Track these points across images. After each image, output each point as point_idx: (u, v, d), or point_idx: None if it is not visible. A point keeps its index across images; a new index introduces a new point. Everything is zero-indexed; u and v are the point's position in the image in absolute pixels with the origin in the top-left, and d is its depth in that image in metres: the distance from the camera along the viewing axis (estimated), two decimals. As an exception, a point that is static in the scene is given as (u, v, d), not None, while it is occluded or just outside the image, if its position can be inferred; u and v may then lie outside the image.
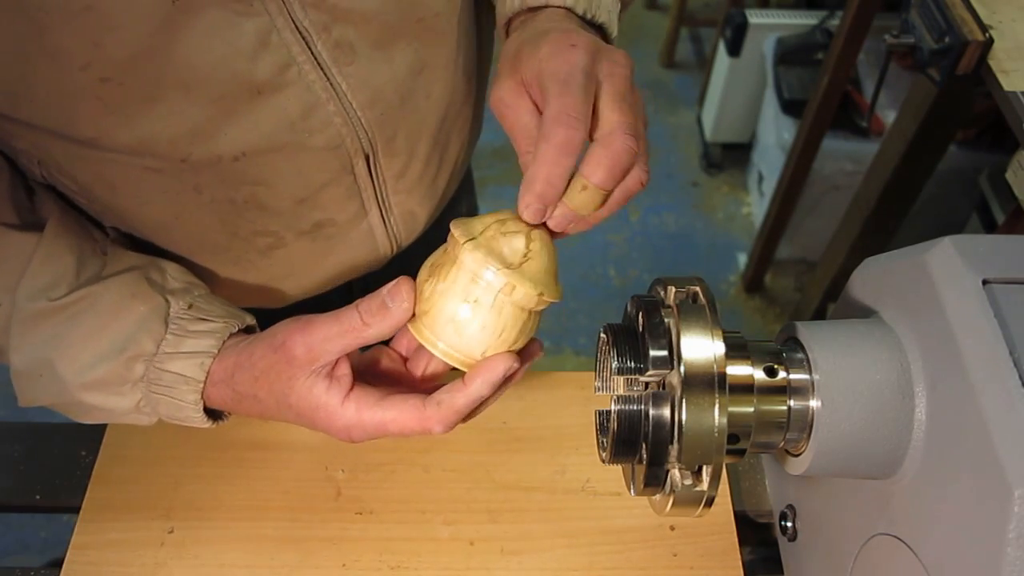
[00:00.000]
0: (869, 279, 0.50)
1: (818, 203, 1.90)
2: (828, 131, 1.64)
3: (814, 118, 1.59)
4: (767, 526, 0.66)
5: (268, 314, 0.58)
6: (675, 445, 0.43)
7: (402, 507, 0.65)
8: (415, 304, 0.46)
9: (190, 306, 0.54)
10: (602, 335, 0.47)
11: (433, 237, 0.74)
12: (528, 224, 0.46)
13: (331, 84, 0.53)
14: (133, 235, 0.61)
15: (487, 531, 0.64)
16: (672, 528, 0.64)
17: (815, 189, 1.85)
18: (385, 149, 0.60)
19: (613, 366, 0.44)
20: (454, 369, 0.48)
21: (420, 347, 0.53)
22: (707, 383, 0.41)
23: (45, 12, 0.43)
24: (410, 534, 0.63)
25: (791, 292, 2.07)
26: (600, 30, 0.56)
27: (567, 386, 0.72)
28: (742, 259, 2.12)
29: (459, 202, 0.83)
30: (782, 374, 0.45)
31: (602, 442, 0.48)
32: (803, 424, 0.45)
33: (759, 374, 0.45)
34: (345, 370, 0.48)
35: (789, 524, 0.59)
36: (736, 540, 0.63)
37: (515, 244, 0.45)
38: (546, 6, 0.54)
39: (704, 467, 0.42)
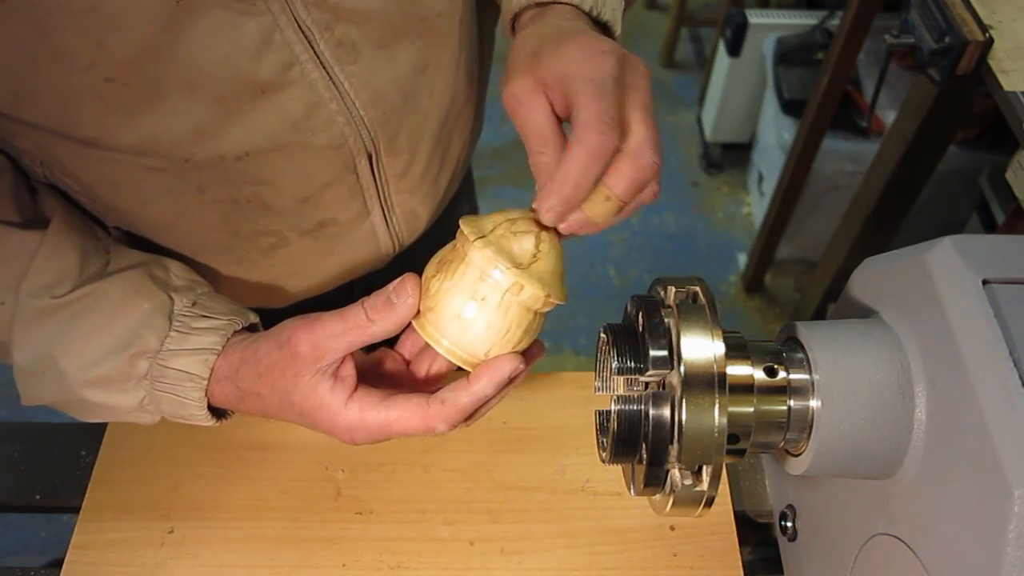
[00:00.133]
0: (869, 279, 0.50)
1: (818, 203, 1.90)
2: (828, 131, 1.64)
3: (814, 118, 1.59)
4: (767, 526, 0.66)
5: (270, 314, 0.58)
6: (675, 445, 0.43)
7: (402, 507, 0.65)
8: (421, 300, 0.46)
9: (194, 303, 0.54)
10: (602, 335, 0.47)
11: (434, 236, 0.74)
12: (538, 225, 0.46)
13: (334, 83, 0.53)
14: (135, 234, 0.61)
15: (487, 531, 0.64)
16: (672, 528, 0.64)
17: (815, 189, 1.85)
18: (388, 148, 0.60)
19: (613, 366, 0.44)
20: (459, 370, 0.48)
21: (423, 349, 0.53)
22: (707, 383, 0.41)
23: (49, 13, 0.43)
24: (410, 534, 0.63)
25: (791, 292, 2.07)
26: (605, 28, 0.57)
27: (567, 386, 0.72)
28: (742, 259, 2.13)
29: (460, 202, 0.83)
30: (782, 374, 0.45)
31: (602, 442, 0.48)
32: (803, 424, 0.45)
33: (759, 374, 0.45)
34: (350, 371, 0.48)
35: (789, 524, 0.59)
36: (736, 540, 0.63)
37: (525, 244, 0.45)
38: (555, 2, 0.54)
39: (704, 467, 0.42)
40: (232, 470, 0.66)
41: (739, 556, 0.62)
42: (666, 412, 0.43)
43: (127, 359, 0.52)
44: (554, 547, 0.63)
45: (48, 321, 0.51)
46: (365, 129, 0.57)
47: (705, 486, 0.43)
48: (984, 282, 0.41)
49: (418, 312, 0.46)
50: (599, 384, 0.49)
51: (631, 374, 0.44)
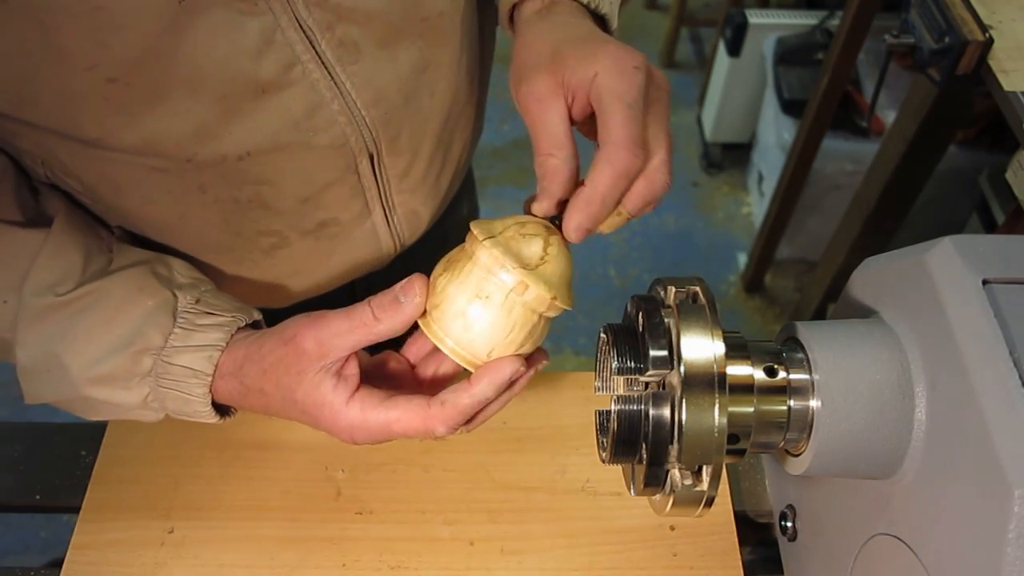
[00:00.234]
0: (869, 279, 0.50)
1: (818, 203, 1.90)
2: (828, 131, 1.64)
3: (814, 118, 1.59)
4: (767, 526, 0.66)
5: (271, 314, 0.58)
6: (675, 445, 0.43)
7: (402, 507, 0.65)
8: (428, 299, 0.46)
9: (197, 300, 0.54)
10: (602, 335, 0.47)
11: (435, 236, 0.74)
12: (547, 229, 0.46)
13: (335, 83, 0.53)
14: (137, 234, 0.61)
15: (487, 531, 0.64)
16: (672, 528, 0.64)
17: (815, 189, 1.85)
18: (389, 148, 0.60)
19: (613, 366, 0.44)
20: (464, 371, 0.48)
21: (429, 354, 0.53)
22: (707, 383, 0.41)
23: (51, 13, 0.43)
24: (410, 534, 0.63)
25: (791, 292, 2.07)
26: (603, 21, 0.57)
27: (567, 386, 0.72)
28: (742, 259, 2.13)
29: (461, 202, 0.83)
30: (782, 374, 0.45)
31: (602, 442, 0.48)
32: (803, 424, 0.45)
33: (759, 374, 0.45)
34: (353, 370, 0.48)
35: (789, 524, 0.59)
36: (736, 540, 0.63)
37: (533, 247, 0.45)
38: None
39: (704, 467, 0.43)
40: (232, 470, 0.66)
41: (739, 556, 0.62)
42: (666, 412, 0.43)
43: (131, 356, 0.52)
44: (554, 547, 0.63)
45: (51, 319, 0.51)
46: (367, 129, 0.57)
47: (705, 486, 0.43)
48: (984, 282, 0.41)
49: (424, 312, 0.46)
50: (599, 384, 0.49)
51: (631, 374, 0.44)
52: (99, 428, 0.69)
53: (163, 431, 0.65)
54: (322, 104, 0.54)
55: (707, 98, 2.33)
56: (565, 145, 0.47)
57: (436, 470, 0.67)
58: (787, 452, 0.48)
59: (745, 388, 0.44)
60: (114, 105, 0.48)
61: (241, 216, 0.59)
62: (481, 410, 0.48)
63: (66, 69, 0.45)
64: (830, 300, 1.67)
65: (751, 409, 0.44)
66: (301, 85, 0.52)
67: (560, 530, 0.64)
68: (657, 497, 0.47)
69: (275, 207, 0.59)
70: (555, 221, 0.48)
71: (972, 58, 1.02)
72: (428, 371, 0.52)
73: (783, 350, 0.46)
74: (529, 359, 0.48)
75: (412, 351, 0.53)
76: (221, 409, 0.54)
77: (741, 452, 0.45)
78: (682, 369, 0.42)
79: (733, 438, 0.43)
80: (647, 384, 0.45)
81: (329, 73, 0.53)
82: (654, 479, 0.45)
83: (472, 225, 0.46)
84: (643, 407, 0.44)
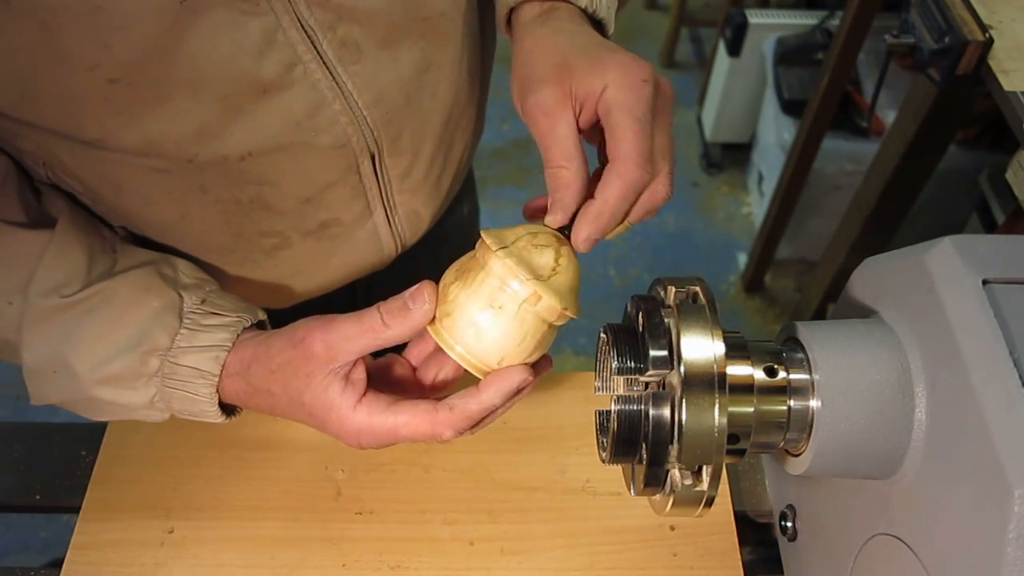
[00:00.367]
0: (869, 279, 0.50)
1: (818, 203, 1.91)
2: (828, 131, 1.64)
3: (814, 118, 1.59)
4: (767, 526, 0.66)
5: (273, 314, 0.58)
6: (675, 445, 0.43)
7: (402, 507, 0.65)
8: (437, 307, 0.47)
9: (203, 300, 0.54)
10: (602, 335, 0.47)
11: (436, 237, 0.74)
12: (558, 240, 0.47)
13: (337, 83, 0.53)
14: (139, 235, 0.61)
15: (487, 531, 0.64)
16: (672, 528, 0.64)
17: (815, 189, 1.85)
18: (390, 148, 0.60)
19: (613, 366, 0.44)
20: (466, 373, 0.48)
21: (430, 356, 0.53)
22: (707, 383, 0.41)
23: (53, 13, 0.43)
24: (410, 534, 0.63)
25: (791, 292, 2.07)
26: (600, 26, 0.57)
27: (567, 386, 0.72)
28: (742, 259, 2.13)
29: (461, 202, 0.83)
30: (782, 374, 0.45)
31: (602, 442, 0.48)
32: (803, 424, 0.45)
33: (759, 374, 0.45)
34: (361, 374, 0.48)
35: (789, 524, 0.59)
36: (736, 540, 0.63)
37: (545, 257, 0.46)
38: None
39: (704, 467, 0.43)
40: (232, 470, 0.66)
41: (739, 556, 0.62)
42: (666, 412, 0.43)
43: (138, 357, 0.52)
44: (554, 547, 0.63)
45: (57, 320, 0.52)
46: (368, 129, 0.57)
47: (705, 486, 0.43)
48: (984, 282, 0.41)
49: (433, 318, 0.47)
50: (599, 384, 0.49)
51: (631, 374, 0.44)
52: (99, 428, 0.69)
53: (163, 431, 0.65)
54: (324, 104, 0.54)
55: (707, 98, 2.33)
56: (575, 156, 0.47)
57: (436, 470, 0.67)
58: (787, 452, 0.48)
59: (745, 388, 0.44)
60: (115, 105, 0.48)
61: (242, 217, 0.59)
62: (487, 415, 0.48)
63: (67, 69, 0.45)
64: (830, 300, 1.67)
65: (751, 409, 0.44)
66: (302, 85, 0.52)
67: (560, 530, 0.64)
68: (657, 497, 0.47)
69: (276, 207, 0.59)
70: (564, 231, 0.48)
71: (972, 58, 1.02)
72: (430, 373, 0.52)
73: (783, 350, 0.46)
74: (535, 366, 0.48)
75: (414, 353, 0.54)
76: (227, 409, 0.54)
77: (741, 452, 0.45)
78: (682, 369, 0.42)
79: (733, 438, 0.43)
80: (647, 384, 0.46)
81: (331, 73, 0.53)
82: (654, 479, 0.45)
83: (483, 234, 0.47)
84: (643, 407, 0.44)
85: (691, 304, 0.44)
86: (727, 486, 0.66)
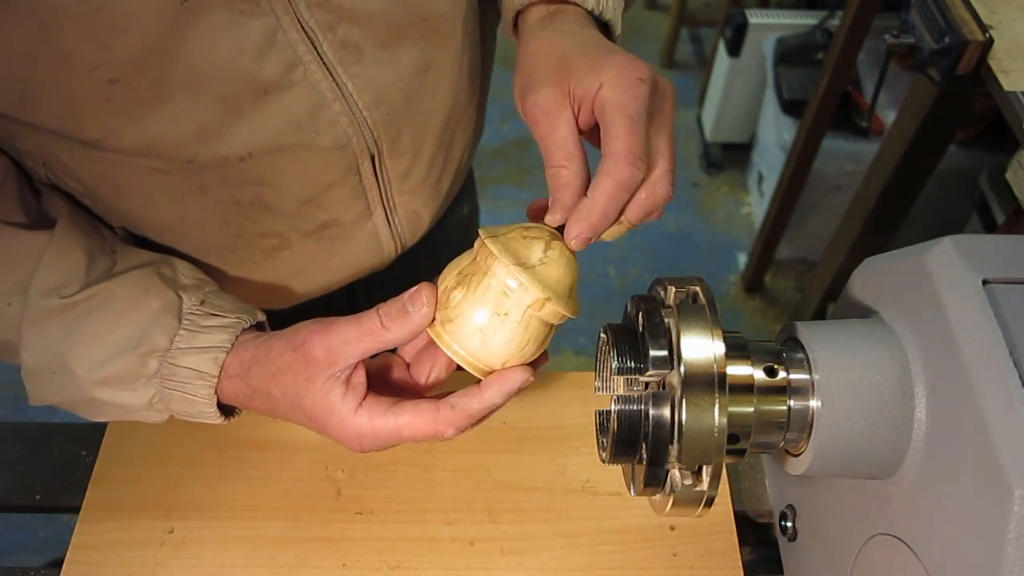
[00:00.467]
0: (869, 279, 0.50)
1: (818, 203, 1.91)
2: (828, 131, 1.64)
3: (814, 118, 1.59)
4: (767, 526, 0.66)
5: (273, 315, 0.58)
6: (675, 445, 0.43)
7: (402, 507, 0.65)
8: (438, 310, 0.46)
9: (202, 302, 0.54)
10: (602, 335, 0.47)
11: (436, 237, 0.74)
12: (552, 235, 0.47)
13: (337, 84, 0.53)
14: (139, 236, 0.61)
15: (487, 531, 0.64)
16: (672, 528, 0.64)
17: (815, 189, 1.85)
18: (390, 149, 0.60)
19: (613, 366, 0.44)
20: (459, 368, 0.48)
21: (423, 351, 0.53)
22: (707, 383, 0.41)
23: (53, 14, 0.43)
24: (410, 534, 0.63)
25: (791, 292, 2.07)
26: (606, 28, 0.57)
27: (567, 386, 0.72)
28: (742, 259, 2.13)
29: (461, 202, 0.83)
30: (782, 374, 0.45)
31: (602, 442, 0.48)
32: (803, 424, 0.45)
33: (759, 374, 0.45)
34: (361, 378, 0.48)
35: (789, 524, 0.59)
36: (736, 540, 0.63)
37: (533, 248, 0.46)
38: (567, 2, 0.54)
39: (704, 467, 0.42)
40: (232, 470, 0.66)
41: (739, 556, 0.62)
42: (666, 412, 0.43)
43: (137, 358, 0.52)
44: (554, 547, 0.63)
45: (57, 321, 0.52)
46: (368, 130, 0.57)
47: (705, 486, 0.43)
48: (984, 282, 0.41)
49: (433, 320, 0.47)
50: (599, 384, 0.49)
51: (631, 374, 0.44)
52: (99, 428, 0.69)
53: (163, 431, 0.65)
54: (324, 105, 0.54)
55: (707, 98, 2.33)
56: (575, 156, 0.47)
57: (436, 470, 0.67)
58: (787, 452, 0.48)
59: (745, 388, 0.44)
60: (115, 106, 0.48)
61: (242, 217, 0.59)
62: (488, 413, 0.48)
63: (67, 70, 0.45)
64: (830, 300, 1.67)
65: (751, 409, 0.44)
66: (303, 86, 0.52)
67: (560, 530, 0.64)
68: (657, 497, 0.47)
69: (276, 208, 0.59)
70: (563, 230, 0.48)
71: (972, 58, 1.02)
72: (424, 370, 0.52)
73: (783, 350, 0.46)
74: (534, 363, 0.48)
75: (408, 348, 0.53)
76: (226, 410, 0.54)
77: (741, 452, 0.45)
78: (682, 369, 0.42)
79: (733, 438, 0.43)
80: (647, 384, 0.46)
81: (331, 74, 0.53)
82: (654, 479, 0.45)
83: (482, 235, 0.46)
84: (643, 407, 0.44)
85: (691, 304, 0.44)
86: (727, 486, 0.66)
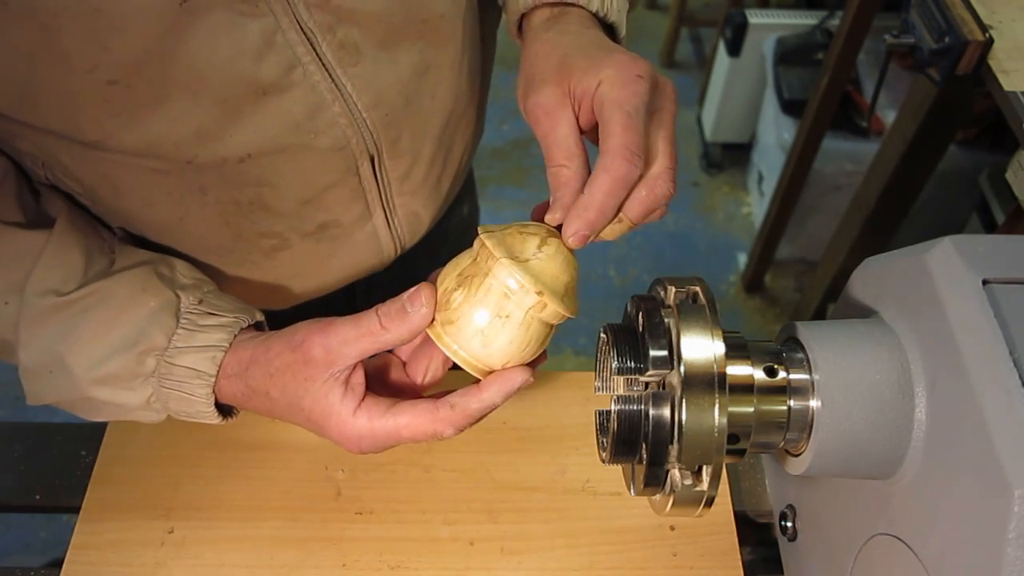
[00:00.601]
0: (869, 279, 0.50)
1: (818, 203, 1.91)
2: (828, 131, 1.64)
3: (814, 118, 1.59)
4: (767, 526, 0.66)
5: (272, 315, 0.58)
6: (675, 445, 0.43)
7: (402, 507, 0.65)
8: (438, 311, 0.46)
9: (200, 301, 0.54)
10: (602, 335, 0.47)
11: (436, 238, 0.74)
12: (549, 232, 0.47)
13: (336, 85, 0.53)
14: (138, 236, 0.61)
15: (487, 531, 0.64)
16: (672, 528, 0.64)
17: (815, 189, 1.85)
18: (390, 150, 0.60)
19: (613, 366, 0.44)
20: (456, 367, 0.48)
21: (418, 349, 0.53)
22: (707, 383, 0.41)
23: (52, 15, 0.43)
24: (410, 534, 0.63)
25: (791, 292, 2.07)
26: (611, 30, 0.57)
27: (567, 386, 0.72)
28: (742, 259, 2.13)
29: (461, 203, 0.83)
30: (782, 374, 0.45)
31: (602, 442, 0.48)
32: (803, 424, 0.45)
33: (759, 374, 0.45)
34: (359, 379, 0.48)
35: (789, 524, 0.59)
36: (736, 540, 0.63)
37: (528, 243, 0.46)
38: (566, 3, 0.54)
39: (704, 467, 0.42)
40: (232, 470, 0.66)
41: (739, 556, 0.62)
42: (666, 412, 0.43)
43: (134, 357, 0.51)
44: (554, 547, 0.63)
45: (54, 320, 0.51)
46: (367, 131, 0.57)
47: (705, 486, 0.43)
48: (984, 282, 0.41)
49: (432, 320, 0.47)
50: (599, 384, 0.49)
51: (631, 374, 0.44)
52: (99, 428, 0.69)
53: (163, 431, 0.65)
54: (323, 106, 0.54)
55: (707, 98, 2.33)
56: (576, 155, 0.47)
57: (436, 470, 0.67)
58: (787, 452, 0.48)
59: (745, 388, 0.44)
60: (114, 107, 0.48)
61: (241, 218, 0.59)
62: (487, 413, 0.48)
63: (67, 71, 0.45)
64: (830, 300, 1.67)
65: (751, 409, 0.44)
66: (302, 87, 0.52)
67: (560, 530, 0.64)
68: (657, 497, 0.47)
69: (276, 209, 0.59)
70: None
71: (972, 58, 1.02)
72: (420, 368, 0.52)
73: (783, 350, 0.46)
74: (533, 363, 0.48)
75: (403, 347, 0.53)
76: (224, 410, 0.54)
77: (741, 452, 0.45)
78: (682, 369, 0.42)
79: (733, 438, 0.43)
80: (647, 384, 0.46)
81: (330, 75, 0.53)
82: (654, 479, 0.45)
83: (482, 234, 0.46)
84: (643, 407, 0.44)
85: (691, 304, 0.44)
86: (727, 486, 0.66)
